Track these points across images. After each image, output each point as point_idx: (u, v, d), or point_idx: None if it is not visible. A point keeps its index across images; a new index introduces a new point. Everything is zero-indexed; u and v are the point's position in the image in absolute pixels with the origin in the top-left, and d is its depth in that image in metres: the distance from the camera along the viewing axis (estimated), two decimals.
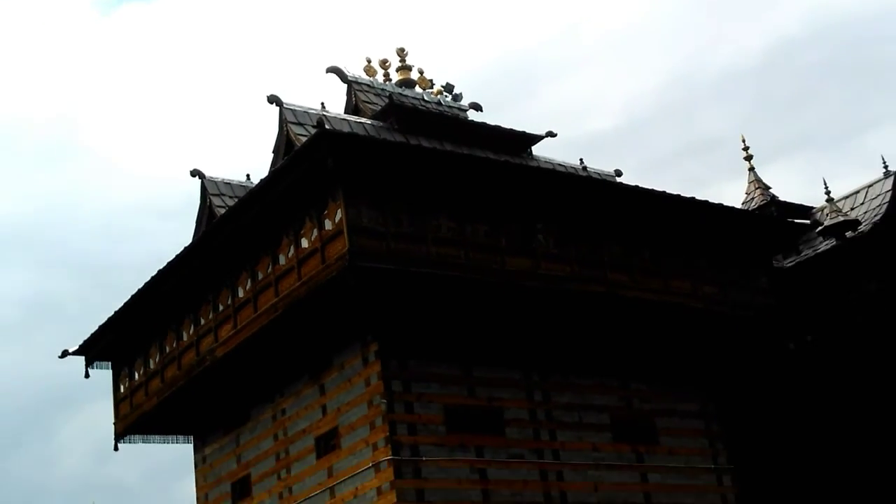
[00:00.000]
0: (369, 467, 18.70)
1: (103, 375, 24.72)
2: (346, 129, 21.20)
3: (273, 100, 21.72)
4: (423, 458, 18.69)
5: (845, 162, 59.41)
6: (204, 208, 23.21)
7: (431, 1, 69.27)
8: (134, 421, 23.61)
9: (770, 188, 28.63)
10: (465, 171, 19.30)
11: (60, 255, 65.92)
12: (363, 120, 23.07)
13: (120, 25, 76.39)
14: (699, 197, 21.99)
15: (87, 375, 24.39)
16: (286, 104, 21.92)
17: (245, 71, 70.41)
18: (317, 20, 71.37)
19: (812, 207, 27.56)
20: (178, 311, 22.08)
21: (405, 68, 26.17)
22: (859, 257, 24.64)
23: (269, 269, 19.54)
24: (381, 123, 23.15)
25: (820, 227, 25.09)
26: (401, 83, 25.73)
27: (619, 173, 26.04)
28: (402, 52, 26.51)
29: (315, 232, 18.42)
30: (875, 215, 25.05)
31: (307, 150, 17.85)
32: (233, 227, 19.85)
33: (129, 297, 22.26)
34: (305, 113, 22.19)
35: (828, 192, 26.16)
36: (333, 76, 24.82)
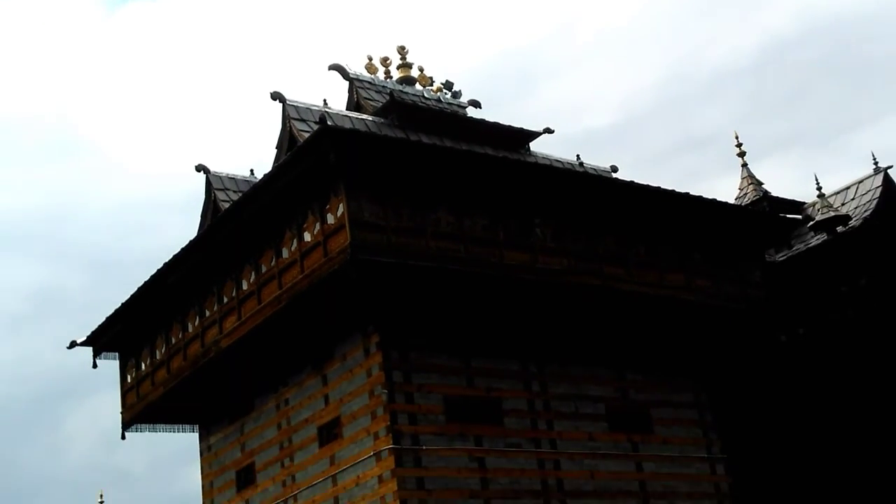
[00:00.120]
0: (371, 456, 18.73)
1: (110, 366, 24.76)
2: (347, 125, 21.19)
3: (276, 96, 21.71)
4: (424, 447, 18.72)
5: (836, 158, 59.47)
6: (209, 202, 23.20)
7: (432, 0, 69.23)
8: (140, 410, 23.63)
9: (763, 184, 28.62)
10: (464, 166, 19.30)
11: (68, 248, 65.99)
12: (364, 116, 23.06)
13: (125, 23, 76.34)
14: (693, 192, 22.01)
15: (94, 366, 24.38)
16: (289, 101, 21.90)
17: (249, 68, 70.45)
18: (319, 18, 71.34)
19: (804, 203, 27.54)
20: (184, 303, 22.08)
21: (406, 66, 26.15)
22: (850, 252, 24.64)
23: (273, 262, 19.55)
24: (382, 120, 23.14)
25: (811, 223, 25.09)
26: (401, 80, 25.71)
27: (615, 169, 26.05)
28: (402, 50, 26.50)
29: (317, 226, 18.43)
30: (865, 211, 25.06)
31: (310, 146, 17.85)
32: (237, 221, 19.85)
33: (136, 289, 22.27)
34: (308, 109, 22.18)
35: (819, 188, 26.15)
36: (335, 73, 24.81)
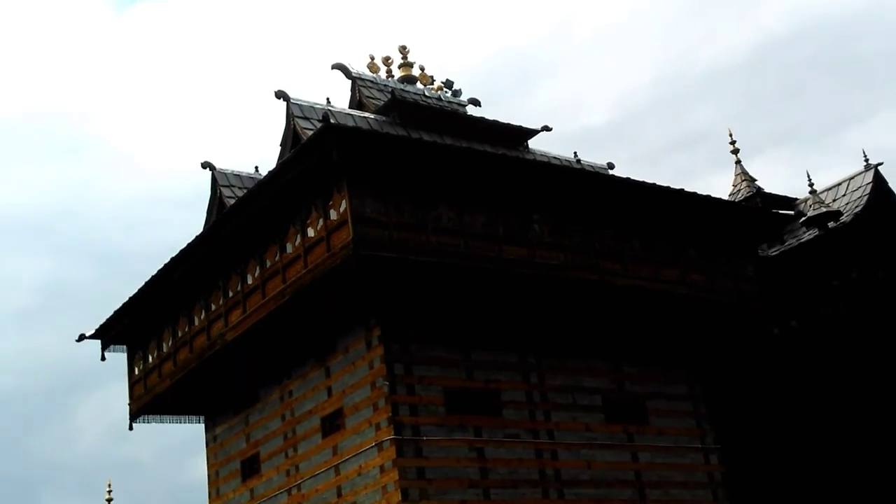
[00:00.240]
0: (373, 446, 18.75)
1: (118, 358, 24.78)
2: (350, 123, 21.17)
3: (280, 95, 21.68)
4: (424, 438, 18.74)
5: (828, 155, 59.40)
6: (214, 199, 23.21)
7: (432, 1, 69.18)
8: (148, 402, 23.65)
9: (756, 180, 28.61)
10: (464, 163, 19.29)
11: (77, 243, 65.99)
12: (367, 114, 23.04)
13: (134, 24, 76.28)
14: (688, 189, 21.99)
15: (103, 358, 24.45)
16: (293, 99, 21.88)
17: (253, 67, 70.39)
18: (322, 19, 71.26)
19: (796, 199, 27.55)
20: (190, 297, 22.09)
21: (407, 65, 26.13)
22: (841, 247, 24.64)
23: (277, 257, 19.55)
24: (384, 118, 23.10)
25: (803, 218, 25.09)
26: (403, 79, 25.69)
27: (611, 166, 26.02)
28: (404, 50, 26.47)
29: (321, 222, 18.42)
30: (856, 206, 25.05)
31: (313, 144, 17.85)
32: (242, 216, 19.85)
33: (143, 283, 22.28)
34: (311, 108, 22.15)
35: (811, 185, 26.16)
36: (338, 73, 24.75)
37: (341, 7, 70.29)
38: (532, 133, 25.20)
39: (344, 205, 17.82)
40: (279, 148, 22.49)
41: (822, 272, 24.82)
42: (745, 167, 29.06)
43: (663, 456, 21.98)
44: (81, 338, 24.19)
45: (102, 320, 23.74)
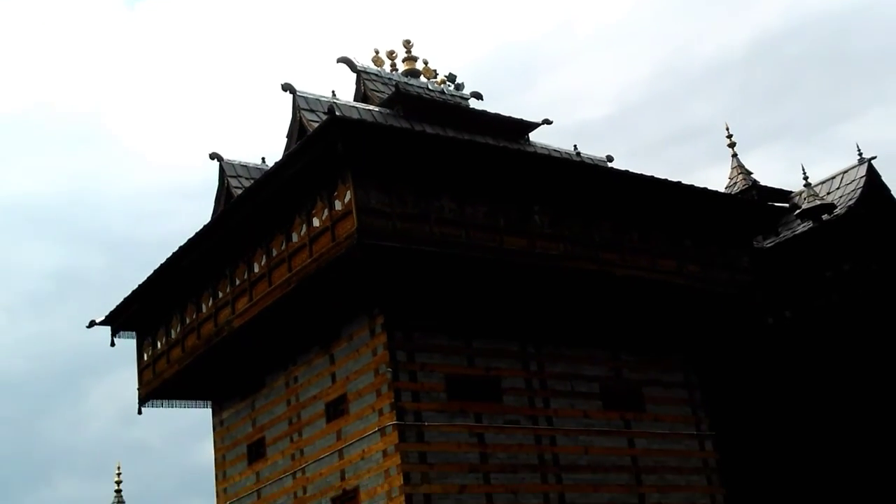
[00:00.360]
0: (375, 431, 18.73)
1: (128, 344, 24.76)
2: (355, 115, 21.13)
3: (287, 88, 21.65)
4: (426, 423, 18.72)
5: (822, 149, 59.26)
6: (222, 189, 23.15)
7: None
8: (156, 387, 23.64)
9: (752, 173, 28.55)
10: (466, 155, 19.23)
11: (89, 232, 66.03)
12: (371, 107, 22.99)
13: (144, 18, 76.19)
14: (685, 181, 21.96)
15: (112, 344, 24.41)
16: (299, 92, 21.84)
17: (261, 61, 70.27)
18: (328, 14, 71.10)
19: (791, 192, 27.48)
20: (198, 285, 22.06)
21: (411, 59, 26.06)
22: (835, 239, 24.58)
23: (283, 246, 19.51)
24: (388, 111, 23.06)
25: (798, 211, 25.03)
26: (407, 73, 25.63)
27: (610, 159, 25.95)
28: (408, 44, 26.40)
29: (326, 212, 18.38)
30: (850, 199, 24.99)
31: (319, 135, 17.80)
32: (249, 206, 19.81)
33: (153, 271, 22.25)
34: (317, 100, 22.12)
35: (806, 178, 26.08)
36: (344, 66, 24.74)
37: (347, 2, 70.15)
38: (533, 126, 25.15)
39: (348, 195, 17.77)
40: (285, 139, 22.46)
41: (815, 264, 24.77)
42: (741, 160, 29.00)
43: (659, 442, 21.95)
44: (92, 324, 24.17)
45: (112, 307, 23.73)
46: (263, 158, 24.14)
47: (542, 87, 64.48)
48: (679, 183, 21.71)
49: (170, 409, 24.58)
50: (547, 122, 25.33)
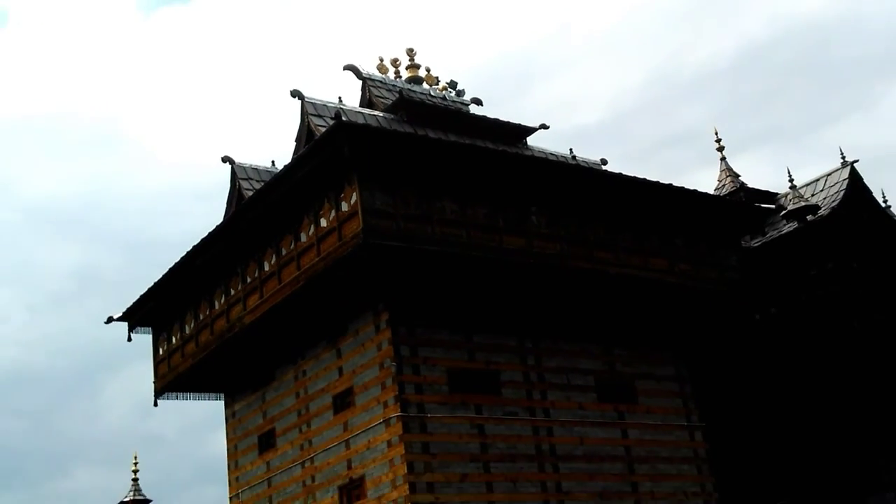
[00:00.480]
0: (380, 423, 18.74)
1: (144, 339, 24.76)
2: (360, 120, 21.11)
3: (296, 94, 21.62)
4: (429, 415, 18.72)
5: (807, 153, 59.21)
6: (234, 191, 23.15)
7: (438, 6, 69.04)
8: (171, 380, 23.64)
9: (739, 176, 28.53)
10: (467, 159, 19.23)
11: (107, 232, 66.02)
12: (376, 113, 22.97)
13: (160, 26, 76.19)
14: (676, 183, 21.92)
15: (129, 339, 24.40)
16: (307, 98, 21.82)
17: (271, 68, 70.25)
18: (335, 23, 71.07)
19: (777, 193, 27.47)
20: (211, 283, 22.06)
21: (414, 66, 26.04)
22: (819, 239, 24.57)
23: (292, 245, 19.51)
24: (393, 116, 23.04)
25: (784, 212, 25.00)
26: (410, 80, 25.60)
27: (604, 162, 25.92)
28: (411, 52, 26.38)
29: (333, 213, 18.38)
30: (833, 201, 24.98)
31: (326, 140, 17.79)
32: (259, 207, 19.81)
33: (168, 269, 22.26)
34: (324, 106, 22.10)
35: (791, 180, 26.06)
36: (350, 73, 24.68)
37: (353, 12, 70.14)
38: (530, 131, 25.12)
39: (354, 197, 17.77)
40: (294, 143, 22.46)
41: (800, 262, 24.77)
42: (729, 164, 28.98)
43: (651, 433, 21.94)
44: (110, 320, 24.18)
45: (129, 304, 23.73)
46: (273, 161, 24.17)
47: (539, 93, 64.49)
48: (670, 185, 21.70)
49: (184, 401, 24.59)
50: (544, 126, 25.28)
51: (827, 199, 25.22)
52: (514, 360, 20.52)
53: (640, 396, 22.23)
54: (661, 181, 21.60)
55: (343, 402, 20.00)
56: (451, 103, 25.08)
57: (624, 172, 21.46)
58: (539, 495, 19.59)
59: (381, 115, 22.86)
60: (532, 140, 25.26)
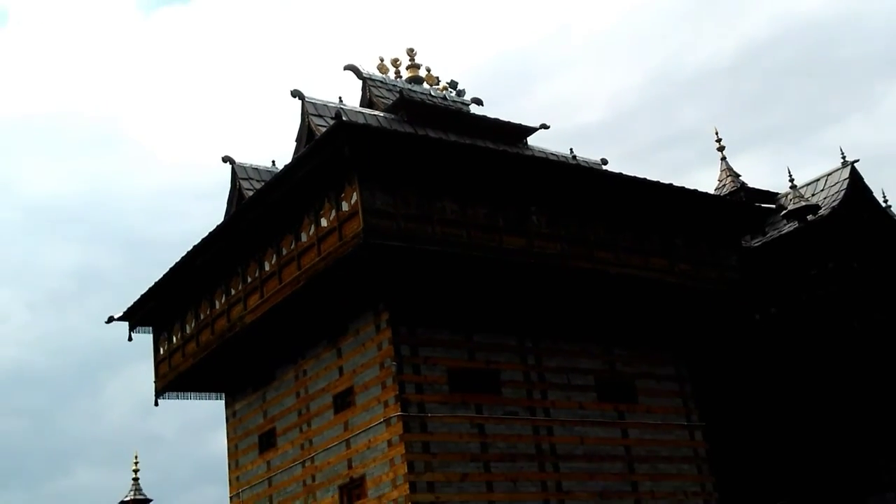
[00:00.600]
0: (381, 422, 18.75)
1: (145, 339, 24.78)
2: (361, 120, 21.11)
3: (296, 94, 21.63)
4: (429, 415, 18.73)
5: (807, 153, 59.21)
6: (234, 191, 23.16)
7: (438, 6, 69.05)
8: (172, 380, 23.66)
9: (740, 176, 28.53)
10: (467, 159, 19.23)
11: (107, 232, 66.06)
12: (377, 113, 22.97)
13: (160, 26, 76.21)
14: (676, 183, 21.92)
15: (130, 339, 24.42)
16: (308, 98, 21.83)
17: (271, 68, 70.27)
18: (335, 23, 71.08)
19: (777, 193, 27.47)
20: (212, 282, 22.08)
21: (414, 66, 26.04)
22: (819, 238, 24.57)
23: (293, 245, 19.52)
24: (393, 116, 23.05)
25: (784, 212, 25.00)
26: (410, 80, 25.60)
27: (605, 162, 25.93)
28: (411, 52, 26.38)
29: (333, 213, 18.39)
30: (834, 201, 24.98)
31: (327, 140, 17.80)
32: (260, 207, 19.82)
33: (168, 269, 22.26)
34: (325, 106, 22.10)
35: (791, 180, 26.06)
36: (350, 73, 24.69)
37: (353, 12, 70.15)
38: (531, 131, 25.12)
39: (355, 197, 17.78)
40: (295, 143, 22.47)
41: (800, 262, 24.77)
42: (729, 163, 28.98)
43: (651, 432, 21.96)
44: (110, 320, 24.19)
45: (130, 304, 23.74)
46: (274, 161, 24.18)
47: (540, 92, 64.49)
48: (670, 185, 21.70)
49: (185, 401, 24.61)
50: (544, 126, 25.28)
51: (827, 198, 25.22)
52: (515, 360, 20.53)
53: (640, 396, 22.24)
54: (662, 181, 21.60)
55: (343, 401, 20.01)
56: (451, 103, 25.08)
57: (624, 172, 21.47)
58: (539, 495, 19.60)
59: (381, 115, 22.86)
60: (532, 140, 25.27)
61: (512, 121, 24.71)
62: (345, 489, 19.60)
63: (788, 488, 24.25)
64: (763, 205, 25.06)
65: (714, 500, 22.28)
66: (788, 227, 24.98)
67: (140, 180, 69.39)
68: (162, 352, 24.22)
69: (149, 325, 24.54)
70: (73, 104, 70.04)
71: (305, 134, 21.81)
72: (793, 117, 64.42)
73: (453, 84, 25.92)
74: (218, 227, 20.85)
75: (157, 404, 24.41)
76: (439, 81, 25.93)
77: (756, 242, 25.38)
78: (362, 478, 19.08)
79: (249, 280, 20.84)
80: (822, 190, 25.74)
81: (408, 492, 17.91)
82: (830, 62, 62.36)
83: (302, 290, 19.08)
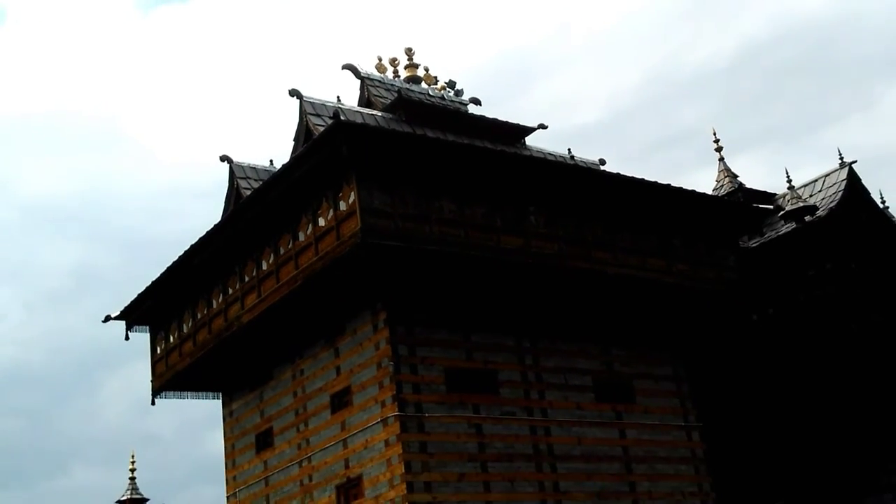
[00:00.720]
0: (378, 422, 18.73)
1: (142, 338, 24.70)
2: (359, 120, 21.10)
3: (294, 93, 21.61)
4: (426, 415, 18.72)
5: (805, 153, 59.32)
6: (232, 190, 23.14)
7: (437, 5, 69.08)
8: (169, 379, 23.62)
9: (738, 176, 28.54)
10: (465, 158, 19.22)
11: (105, 231, 66.07)
12: (375, 112, 22.96)
13: (158, 26, 76.19)
14: (674, 184, 21.92)
15: (127, 338, 24.37)
16: (306, 97, 21.81)
17: (269, 67, 70.27)
18: (333, 22, 71.10)
19: (775, 194, 27.48)
20: (209, 282, 22.04)
21: (412, 66, 26.03)
22: (816, 239, 24.58)
23: (290, 244, 19.50)
24: (391, 115, 23.04)
25: (782, 212, 25.02)
26: (408, 79, 25.59)
27: (602, 162, 25.94)
28: (409, 52, 26.37)
29: (331, 212, 18.37)
30: (831, 202, 24.99)
31: (324, 139, 17.78)
32: (257, 206, 19.80)
33: (166, 268, 22.23)
34: (323, 105, 22.09)
35: (789, 181, 26.09)
36: (348, 73, 24.69)
37: (352, 12, 70.14)
38: (529, 131, 25.11)
39: (353, 196, 17.76)
40: (293, 143, 22.45)
41: (798, 263, 24.77)
42: (727, 164, 28.99)
43: (649, 433, 21.95)
44: (107, 319, 24.15)
45: (127, 303, 23.71)
46: (271, 161, 24.15)
47: (538, 92, 64.58)
48: (668, 185, 21.69)
49: (182, 400, 24.57)
50: (542, 126, 25.28)
51: (825, 199, 25.23)
52: (512, 360, 20.51)
53: (637, 396, 22.23)
54: (660, 181, 21.60)
55: (341, 401, 19.98)
56: (449, 103, 25.07)
57: (622, 172, 21.48)
58: (536, 495, 19.59)
59: (379, 114, 22.85)
60: (530, 140, 25.26)
61: (510, 121, 24.71)
62: (342, 489, 19.58)
63: (786, 489, 24.26)
64: (761, 205, 25.05)
65: (711, 501, 22.28)
66: (786, 228, 24.98)
67: (138, 179, 69.43)
68: (159, 351, 24.18)
69: (146, 325, 24.49)
70: (72, 103, 70.04)
71: (303, 133, 21.79)
72: (791, 118, 64.54)
73: (451, 84, 25.92)
74: (215, 226, 20.82)
75: (153, 403, 24.37)
76: (437, 81, 25.92)
77: (754, 243, 25.38)
78: (359, 477, 19.06)
79: (247, 279, 20.82)
80: (819, 191, 25.75)
81: (405, 492, 17.90)
82: (829, 62, 62.50)
83: (299, 289, 19.06)
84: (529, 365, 20.74)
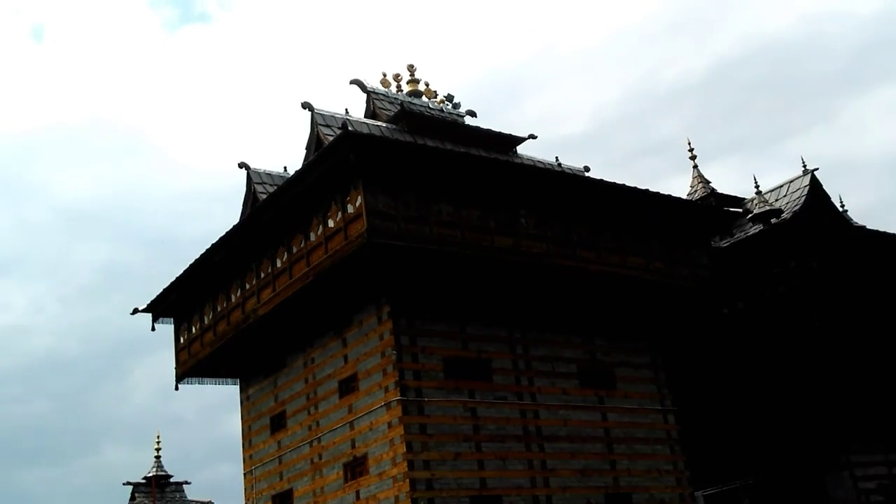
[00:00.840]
0: (382, 406, 18.75)
1: (166, 329, 24.72)
2: (365, 130, 21.10)
3: (306, 106, 21.60)
4: (426, 399, 18.73)
5: (772, 161, 59.45)
6: (249, 194, 23.12)
7: (437, 26, 69.10)
8: (191, 366, 23.61)
9: (710, 182, 28.55)
10: (461, 165, 19.23)
11: (133, 231, 66.10)
12: (379, 123, 22.95)
13: (183, 43, 76.17)
14: (652, 189, 21.93)
15: (153, 329, 24.37)
16: (317, 109, 21.80)
17: (284, 82, 70.29)
18: (343, 42, 71.12)
19: (744, 199, 27.50)
20: (228, 278, 22.04)
21: (414, 81, 26.00)
22: (782, 240, 24.63)
23: (302, 244, 19.50)
24: (394, 126, 23.03)
25: (750, 215, 25.06)
26: (410, 93, 25.57)
27: (587, 169, 25.90)
28: (411, 68, 26.34)
29: (339, 214, 18.38)
30: (795, 206, 25.03)
31: (334, 148, 17.79)
32: (272, 209, 19.80)
33: (188, 265, 22.21)
34: (332, 117, 22.07)
35: (757, 186, 26.12)
36: (355, 87, 24.65)
37: (359, 31, 70.14)
38: (520, 140, 25.10)
39: (359, 200, 17.77)
40: (305, 151, 22.42)
41: (765, 261, 24.81)
42: (701, 171, 29.01)
43: (628, 416, 21.96)
44: (135, 311, 24.13)
45: (153, 297, 23.69)
46: (285, 167, 24.12)
47: (528, 106, 64.71)
48: (647, 191, 21.70)
49: (203, 385, 24.65)
50: (532, 136, 25.24)
51: (789, 203, 25.27)
52: (504, 349, 20.52)
53: (618, 382, 22.24)
54: (639, 187, 21.61)
55: (348, 386, 20.00)
56: (447, 115, 25.05)
57: (605, 179, 21.51)
58: (526, 472, 19.61)
59: (383, 125, 22.84)
60: (521, 149, 25.24)
61: (503, 131, 24.68)
62: (348, 467, 19.60)
63: (753, 467, 24.30)
64: (731, 209, 25.08)
65: (685, 478, 22.31)
66: (754, 230, 25.02)
67: (163, 184, 69.42)
68: (182, 341, 24.18)
69: (170, 317, 24.49)
70: (104, 114, 70.08)
71: (314, 142, 21.78)
72: (759, 129, 64.67)
73: (450, 97, 25.90)
74: (234, 226, 20.83)
75: (177, 389, 24.38)
76: (437, 95, 25.89)
77: (725, 243, 25.41)
78: (364, 456, 19.08)
79: (263, 275, 20.82)
80: (784, 196, 25.79)
81: (406, 469, 17.92)
82: (794, 79, 62.67)
83: (310, 285, 19.06)
84: (520, 354, 20.75)
